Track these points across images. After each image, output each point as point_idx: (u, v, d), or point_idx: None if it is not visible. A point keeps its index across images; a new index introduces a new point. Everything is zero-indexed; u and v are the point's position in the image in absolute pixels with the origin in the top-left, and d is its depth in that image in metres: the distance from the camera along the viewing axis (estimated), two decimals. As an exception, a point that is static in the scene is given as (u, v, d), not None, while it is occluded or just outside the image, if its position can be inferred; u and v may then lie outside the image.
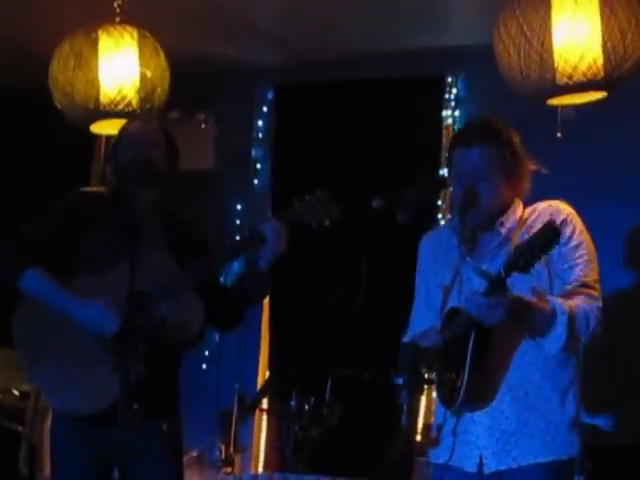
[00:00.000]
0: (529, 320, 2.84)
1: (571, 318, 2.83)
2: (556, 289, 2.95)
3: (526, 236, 2.87)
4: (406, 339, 3.21)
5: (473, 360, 2.82)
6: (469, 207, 3.00)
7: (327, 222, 3.41)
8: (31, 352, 3.43)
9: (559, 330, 2.84)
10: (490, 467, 2.95)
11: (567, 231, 2.96)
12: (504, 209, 3.06)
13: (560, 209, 3.03)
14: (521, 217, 3.06)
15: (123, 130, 3.61)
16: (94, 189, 3.68)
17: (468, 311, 2.82)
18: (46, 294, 3.38)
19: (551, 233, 2.66)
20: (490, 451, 2.95)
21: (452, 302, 3.03)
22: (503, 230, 3.04)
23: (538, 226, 2.88)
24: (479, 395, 2.91)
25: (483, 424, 2.96)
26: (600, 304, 2.95)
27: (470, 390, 2.84)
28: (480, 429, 2.97)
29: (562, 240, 2.89)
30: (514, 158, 3.03)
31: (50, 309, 3.36)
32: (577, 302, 2.89)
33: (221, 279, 3.79)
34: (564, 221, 2.97)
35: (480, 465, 2.97)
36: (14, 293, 3.42)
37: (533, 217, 3.05)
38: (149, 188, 3.45)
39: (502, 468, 2.94)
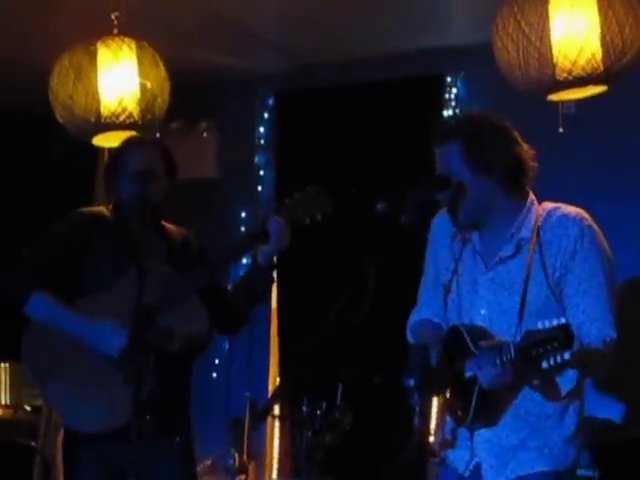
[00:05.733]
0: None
1: (582, 364, 2.79)
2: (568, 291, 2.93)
3: (538, 258, 2.90)
4: (414, 318, 3.24)
5: (481, 387, 2.85)
6: (454, 205, 3.01)
7: (319, 217, 3.43)
8: (42, 371, 3.43)
9: (570, 374, 2.83)
10: (488, 479, 2.97)
11: (582, 251, 2.90)
12: (499, 206, 3.00)
13: (576, 222, 2.94)
14: (535, 224, 2.97)
15: (118, 159, 3.58)
16: (94, 209, 3.68)
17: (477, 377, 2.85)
18: (52, 318, 3.38)
19: (564, 338, 2.61)
20: (489, 464, 2.97)
21: (451, 301, 3.06)
22: (514, 241, 2.98)
23: (553, 242, 2.90)
24: (486, 416, 2.94)
25: (483, 436, 2.98)
26: (614, 335, 2.89)
27: (479, 411, 2.88)
28: (480, 440, 2.98)
29: (576, 257, 2.89)
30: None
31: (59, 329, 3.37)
32: (588, 344, 2.81)
33: (226, 282, 3.78)
34: (579, 237, 2.91)
35: (472, 470, 2.99)
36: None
37: (546, 228, 2.96)
38: (149, 219, 3.47)
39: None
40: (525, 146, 3.01)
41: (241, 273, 3.94)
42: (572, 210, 3.00)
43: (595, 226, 2.97)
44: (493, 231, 3.03)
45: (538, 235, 2.96)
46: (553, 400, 2.93)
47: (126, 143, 3.68)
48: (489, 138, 2.97)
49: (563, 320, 2.63)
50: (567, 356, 2.60)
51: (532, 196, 3.05)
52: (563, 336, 2.60)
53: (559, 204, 3.03)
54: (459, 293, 3.06)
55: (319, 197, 3.44)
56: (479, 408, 2.88)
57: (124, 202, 3.50)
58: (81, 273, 3.44)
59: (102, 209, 3.63)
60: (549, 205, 3.03)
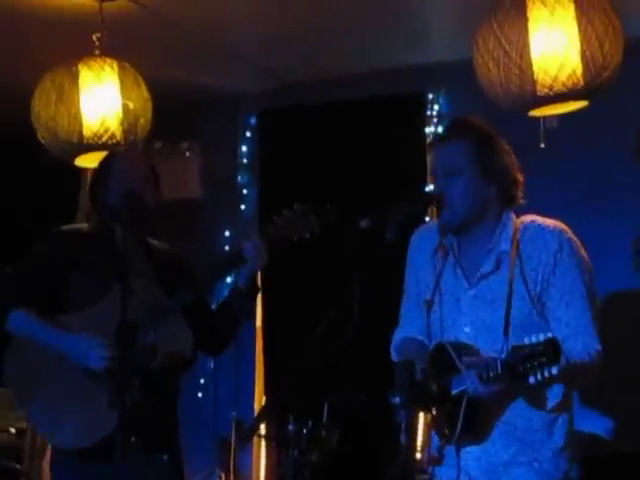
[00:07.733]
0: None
1: (570, 377, 2.80)
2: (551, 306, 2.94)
3: (519, 272, 2.90)
4: (398, 336, 3.24)
5: (468, 403, 2.84)
6: (440, 209, 3.00)
7: (307, 235, 3.44)
8: (24, 390, 3.42)
9: (555, 391, 2.83)
10: None
11: (562, 263, 2.91)
12: (488, 217, 3.00)
13: (554, 235, 2.95)
14: (514, 237, 2.97)
15: (107, 165, 3.59)
16: (74, 226, 3.68)
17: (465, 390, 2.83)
18: (33, 333, 3.38)
19: (552, 352, 2.59)
20: None
21: (434, 318, 3.06)
22: (494, 255, 2.97)
23: (533, 256, 2.90)
24: (474, 433, 2.93)
25: (473, 454, 2.97)
26: (599, 347, 2.91)
27: (466, 428, 2.87)
28: (470, 458, 2.98)
29: (557, 271, 2.89)
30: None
31: (40, 346, 3.36)
32: (574, 358, 2.81)
33: (211, 303, 3.78)
34: (558, 250, 2.92)
35: None
36: (2, 333, 3.42)
37: (525, 241, 2.96)
38: (138, 226, 3.45)
39: None
40: (514, 158, 3.04)
41: (225, 292, 3.94)
42: (550, 223, 3.00)
43: (574, 238, 2.98)
44: (473, 242, 3.03)
45: (518, 249, 2.96)
46: (540, 414, 2.93)
47: (114, 150, 3.68)
48: (500, 146, 3.01)
49: (550, 334, 2.62)
50: (555, 371, 2.59)
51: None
52: (551, 351, 2.59)
53: (535, 217, 3.04)
54: (442, 310, 3.06)
55: (307, 215, 3.45)
56: (466, 425, 2.87)
57: (112, 205, 3.45)
58: (66, 289, 3.43)
59: (84, 225, 3.63)
60: (526, 218, 3.03)
